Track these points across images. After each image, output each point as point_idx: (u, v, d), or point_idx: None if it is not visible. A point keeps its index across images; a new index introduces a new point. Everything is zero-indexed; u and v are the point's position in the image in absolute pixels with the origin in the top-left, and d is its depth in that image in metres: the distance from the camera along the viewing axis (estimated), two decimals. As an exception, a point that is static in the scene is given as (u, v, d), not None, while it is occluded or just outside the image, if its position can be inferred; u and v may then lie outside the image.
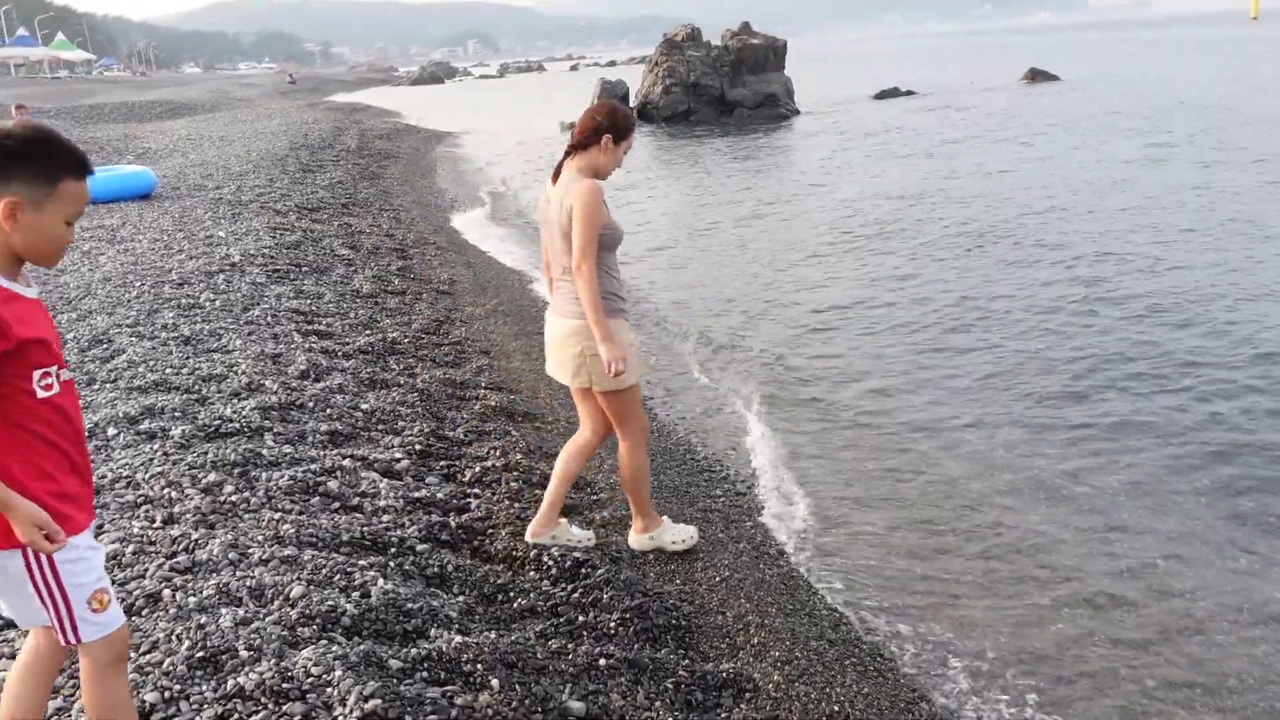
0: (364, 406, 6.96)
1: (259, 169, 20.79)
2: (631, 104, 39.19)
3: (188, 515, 4.89)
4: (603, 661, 4.12)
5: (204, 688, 3.48)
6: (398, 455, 6.11)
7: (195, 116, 45.06)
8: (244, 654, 3.64)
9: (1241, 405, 7.63)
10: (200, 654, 3.63)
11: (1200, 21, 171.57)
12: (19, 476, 2.52)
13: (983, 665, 4.69)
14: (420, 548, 4.90)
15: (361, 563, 4.58)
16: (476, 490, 5.81)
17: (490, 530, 5.30)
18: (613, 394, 4.91)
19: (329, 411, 6.73)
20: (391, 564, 4.67)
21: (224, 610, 3.96)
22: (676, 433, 7.63)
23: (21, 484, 2.52)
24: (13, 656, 3.66)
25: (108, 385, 6.99)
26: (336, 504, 5.30)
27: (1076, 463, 6.86)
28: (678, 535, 5.42)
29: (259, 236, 12.98)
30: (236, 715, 3.35)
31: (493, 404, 7.46)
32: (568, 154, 4.86)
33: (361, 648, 3.78)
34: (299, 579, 4.27)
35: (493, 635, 4.14)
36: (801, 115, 38.37)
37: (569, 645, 4.23)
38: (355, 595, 4.23)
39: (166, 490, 5.16)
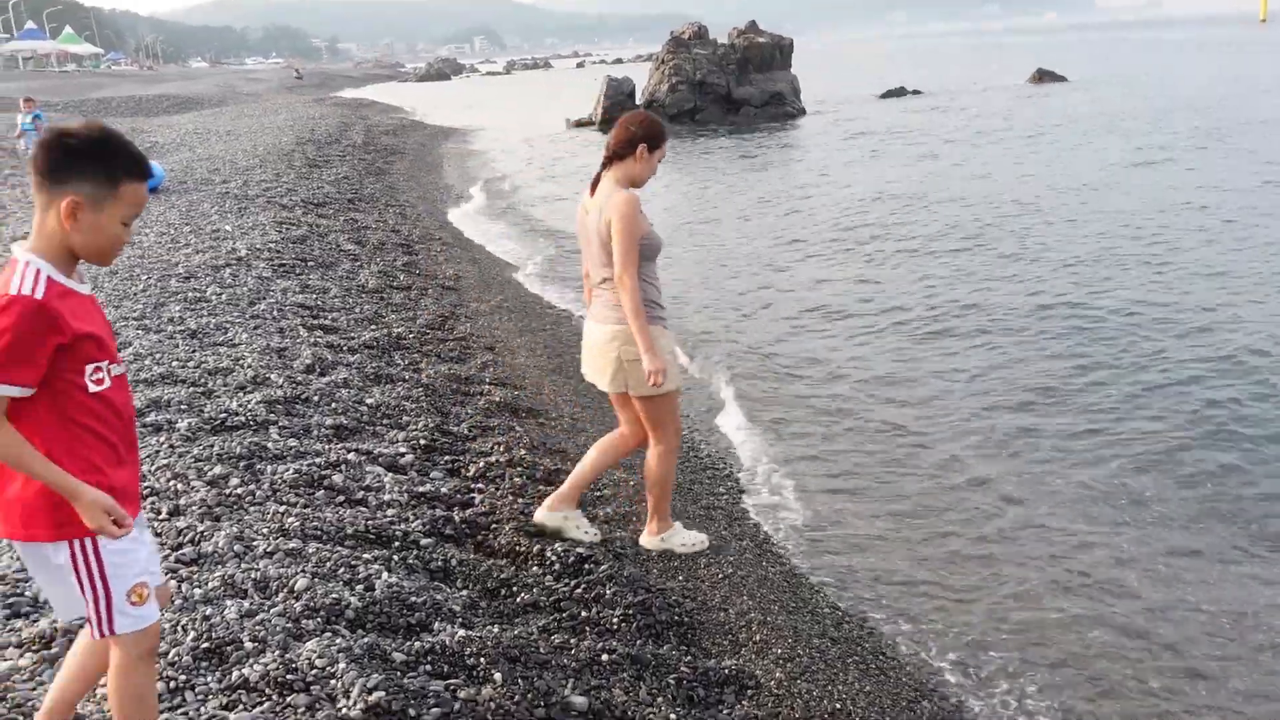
0: (369, 401, 6.97)
1: (265, 164, 20.82)
2: (638, 102, 39.16)
3: (193, 507, 4.91)
4: (605, 657, 4.13)
5: (209, 678, 3.50)
6: (402, 450, 6.13)
7: (202, 111, 45.14)
8: (249, 645, 3.67)
9: (1247, 408, 7.63)
10: (205, 645, 3.65)
11: (1209, 23, 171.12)
12: (68, 469, 2.54)
13: (984, 664, 4.71)
14: (424, 542, 4.92)
15: (366, 556, 4.60)
16: (480, 485, 5.82)
17: (494, 525, 5.31)
18: (649, 399, 4.97)
19: (334, 405, 6.75)
20: (395, 558, 4.69)
21: (229, 602, 3.98)
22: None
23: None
24: (19, 645, 3.68)
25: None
26: (341, 498, 5.32)
27: (1078, 460, 6.87)
28: (688, 540, 5.43)
29: (265, 231, 13.01)
30: (241, 706, 3.37)
31: (497, 399, 7.47)
32: (605, 165, 4.91)
33: (365, 640, 3.80)
34: (304, 572, 4.29)
35: (496, 629, 4.15)
36: (808, 114, 38.36)
37: (572, 640, 4.24)
38: (359, 588, 4.25)
39: (173, 482, 5.18)
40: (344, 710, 3.37)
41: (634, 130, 4.84)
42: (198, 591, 4.06)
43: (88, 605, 2.64)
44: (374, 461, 5.89)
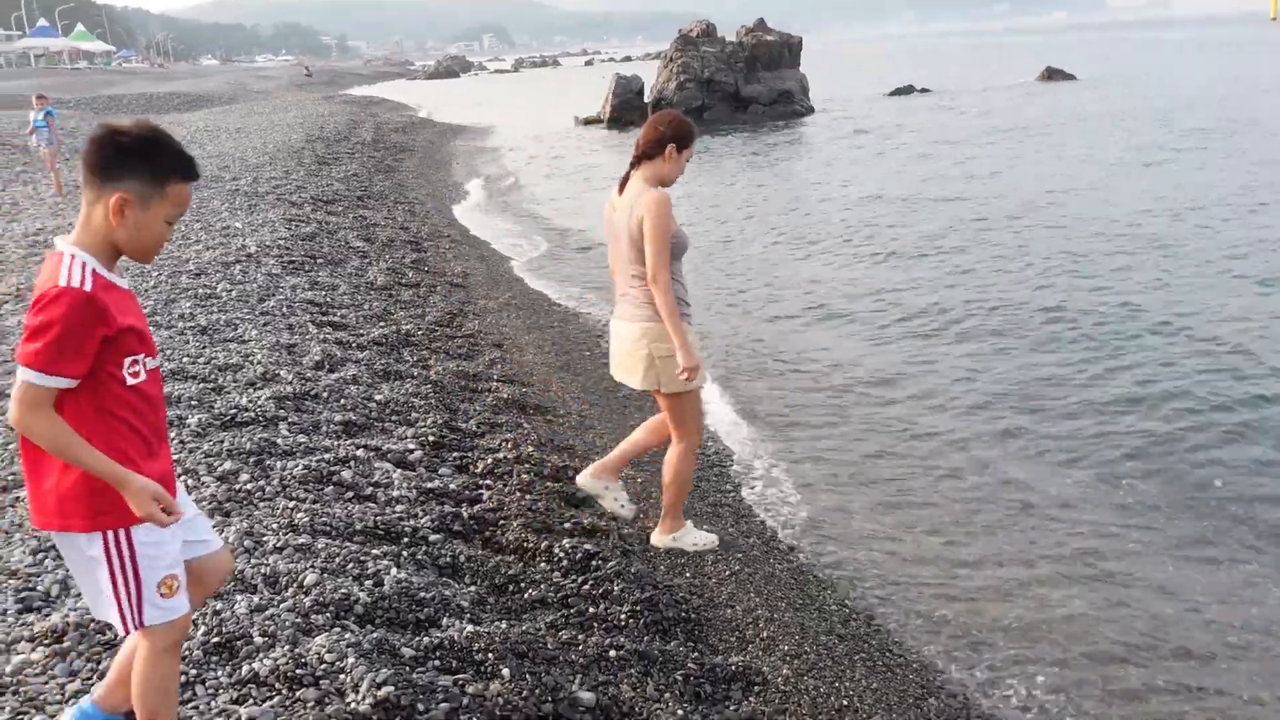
0: (378, 397, 7.00)
1: (275, 161, 20.88)
2: (646, 100, 39.15)
3: (204, 503, 4.93)
4: (613, 653, 4.15)
5: (219, 673, 3.52)
6: (411, 446, 6.15)
7: (212, 108, 45.27)
8: (259, 640, 3.69)
9: (1260, 409, 7.62)
10: (216, 639, 3.68)
11: (1219, 22, 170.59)
12: None
13: (992, 661, 4.71)
14: (433, 538, 4.94)
15: (375, 552, 4.62)
16: (488, 482, 5.84)
17: (502, 521, 5.33)
18: (676, 396, 5.02)
19: (343, 402, 6.78)
20: (404, 553, 4.71)
21: (239, 597, 4.00)
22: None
23: None
24: (32, 640, 3.71)
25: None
26: (350, 493, 5.34)
27: (1086, 458, 6.86)
28: (699, 540, 5.45)
29: (275, 228, 13.05)
30: (251, 700, 3.39)
31: (505, 396, 7.49)
32: (634, 164, 4.96)
33: (374, 635, 3.82)
34: (313, 567, 4.31)
35: (504, 625, 4.17)
36: (816, 112, 38.33)
37: (579, 636, 4.26)
38: (368, 584, 4.27)
39: (183, 478, 5.20)
40: (353, 705, 3.39)
41: (663, 130, 4.88)
42: (208, 586, 4.07)
43: (119, 597, 2.66)
44: (383, 458, 5.91)
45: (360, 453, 5.88)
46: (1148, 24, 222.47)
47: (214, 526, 4.62)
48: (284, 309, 9.08)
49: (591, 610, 4.54)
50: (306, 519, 4.84)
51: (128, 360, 2.61)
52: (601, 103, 39.87)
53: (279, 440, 5.85)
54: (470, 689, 3.59)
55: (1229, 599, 5.19)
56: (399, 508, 5.23)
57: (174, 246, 11.73)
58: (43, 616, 3.88)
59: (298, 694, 3.42)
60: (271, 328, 8.40)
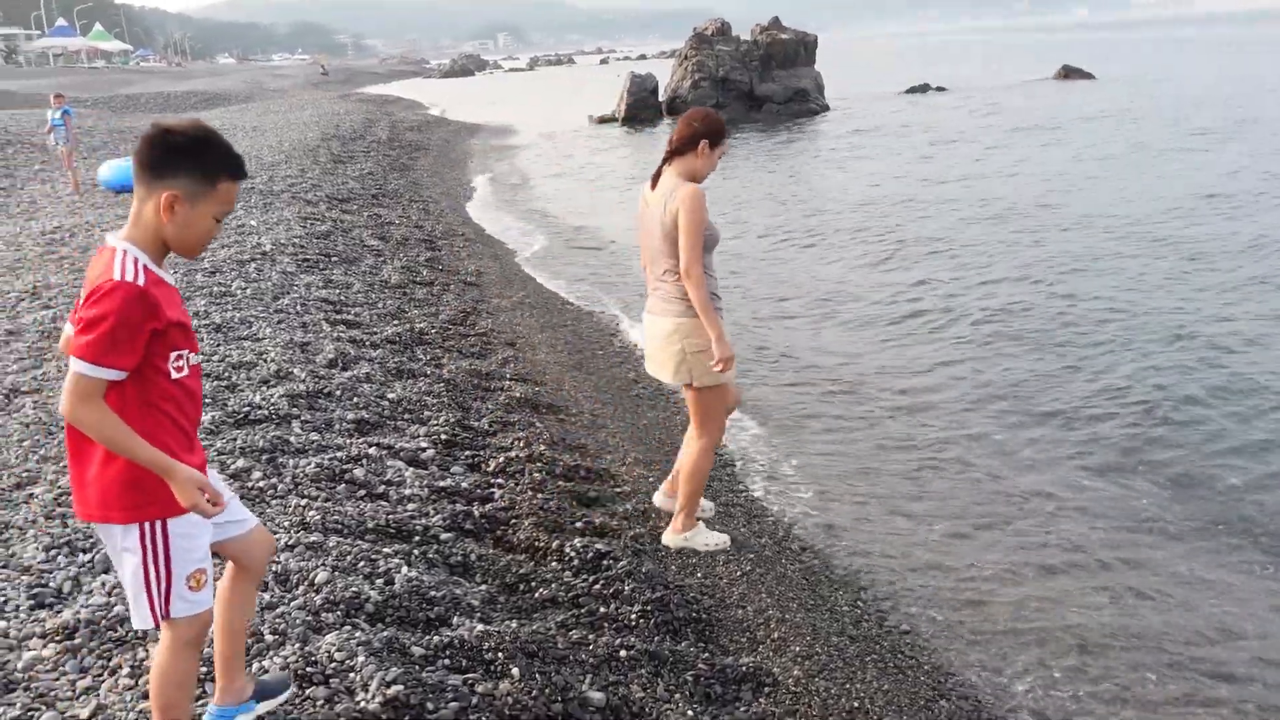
0: (391, 396, 7.01)
1: (291, 159, 20.94)
2: (660, 98, 39.14)
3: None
4: (623, 653, 4.14)
5: (229, 670, 3.52)
6: (423, 444, 6.16)
7: (229, 107, 45.45)
8: (269, 638, 3.69)
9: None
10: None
11: (1241, 20, 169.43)
12: None
13: (1005, 665, 4.68)
14: (444, 536, 4.94)
15: (386, 550, 4.63)
16: (500, 480, 5.84)
17: (513, 520, 5.32)
18: (704, 391, 5.06)
19: (356, 400, 6.79)
20: (415, 552, 4.71)
21: (250, 594, 4.00)
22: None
23: None
24: (43, 636, 3.72)
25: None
26: (362, 491, 5.35)
27: (1103, 463, 6.82)
28: (710, 540, 5.44)
29: (290, 226, 13.08)
30: (261, 698, 3.39)
31: (518, 395, 7.49)
32: (666, 160, 5.00)
33: (384, 634, 3.82)
34: (324, 565, 4.32)
35: (514, 624, 4.17)
36: (831, 111, 38.24)
37: (590, 636, 4.25)
38: (379, 582, 4.27)
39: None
40: (362, 703, 3.39)
41: (696, 126, 4.92)
42: (218, 585, 4.08)
43: (147, 587, 2.70)
44: (395, 456, 5.92)
45: (372, 451, 5.88)
46: (1169, 22, 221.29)
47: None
48: (298, 307, 9.10)
49: (602, 610, 4.53)
50: (318, 517, 4.84)
51: (173, 355, 2.67)
52: (616, 101, 39.88)
53: (291, 438, 5.86)
54: (480, 688, 3.59)
55: (1246, 604, 5.14)
56: (410, 506, 5.23)
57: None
58: (54, 613, 3.90)
59: (307, 692, 3.43)
60: (285, 326, 8.42)
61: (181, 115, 35.71)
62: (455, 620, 4.11)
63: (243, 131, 28.84)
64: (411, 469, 5.75)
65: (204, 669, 3.34)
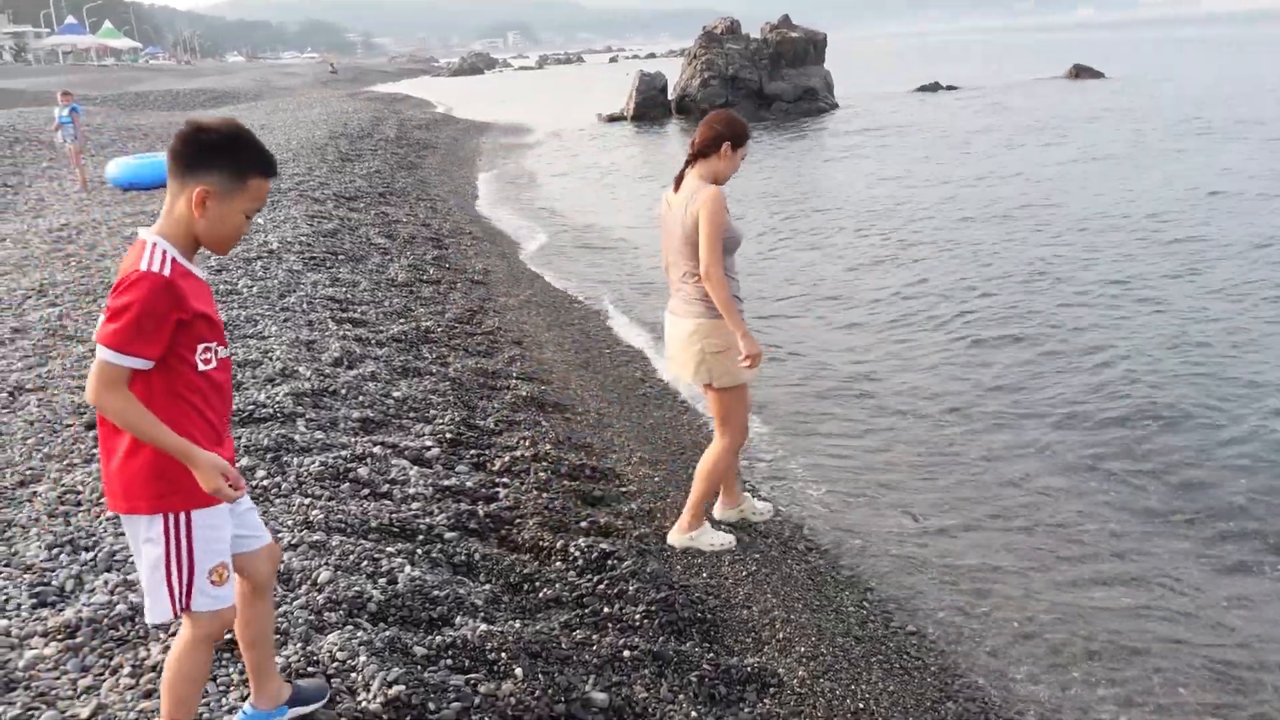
0: (396, 394, 6.99)
1: (298, 157, 20.95)
2: (669, 97, 39.11)
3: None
4: (627, 653, 4.11)
5: (230, 670, 3.51)
6: (428, 443, 6.14)
7: (238, 105, 45.53)
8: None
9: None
10: (227, 636, 3.65)
11: (1248, 20, 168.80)
12: None
13: (1012, 667, 4.64)
14: (448, 536, 4.92)
15: (389, 549, 4.61)
16: (505, 480, 5.82)
17: (518, 520, 5.30)
18: (725, 392, 5.12)
19: (361, 399, 6.77)
20: (419, 551, 4.69)
21: (252, 594, 3.98)
22: (708, 425, 7.60)
23: None
24: (45, 634, 3.71)
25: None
26: (366, 490, 5.33)
27: (1110, 460, 6.77)
28: (715, 540, 5.43)
29: (297, 224, 13.08)
30: (262, 697, 3.37)
31: (524, 394, 7.47)
32: (689, 162, 5.04)
33: (387, 634, 3.80)
34: (327, 564, 4.30)
35: (518, 624, 4.15)
36: (840, 109, 38.17)
37: (593, 636, 4.23)
38: (382, 581, 4.26)
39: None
40: (364, 703, 3.37)
41: (719, 129, 4.97)
42: (221, 583, 4.07)
43: (169, 579, 2.73)
44: (400, 455, 5.90)
45: (377, 450, 5.87)
46: (1175, 21, 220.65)
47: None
48: (304, 305, 9.10)
49: (606, 610, 4.51)
50: (322, 516, 4.83)
51: (200, 347, 2.74)
52: (625, 100, 39.87)
53: (296, 437, 5.85)
54: (482, 688, 3.57)
55: (1258, 607, 5.10)
56: (415, 505, 5.21)
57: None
58: (56, 611, 3.89)
59: (308, 692, 3.41)
60: (291, 324, 8.41)
61: (213, 112, 35.78)
62: (458, 620, 4.09)
63: (251, 129, 28.85)
64: (416, 468, 5.73)
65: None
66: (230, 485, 2.68)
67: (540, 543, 5.09)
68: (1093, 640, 4.83)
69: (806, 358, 9.41)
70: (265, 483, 5.19)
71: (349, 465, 5.56)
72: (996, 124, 29.72)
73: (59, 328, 8.16)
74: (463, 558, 4.75)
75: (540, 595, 4.60)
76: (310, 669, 3.51)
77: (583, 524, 5.37)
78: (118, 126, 29.07)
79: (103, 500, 4.92)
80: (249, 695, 3.22)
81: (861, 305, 11.20)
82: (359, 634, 3.75)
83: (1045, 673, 4.60)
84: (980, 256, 13.07)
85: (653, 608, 4.56)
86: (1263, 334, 9.20)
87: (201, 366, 2.74)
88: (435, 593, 4.25)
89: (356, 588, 4.13)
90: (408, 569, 4.39)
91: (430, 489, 5.45)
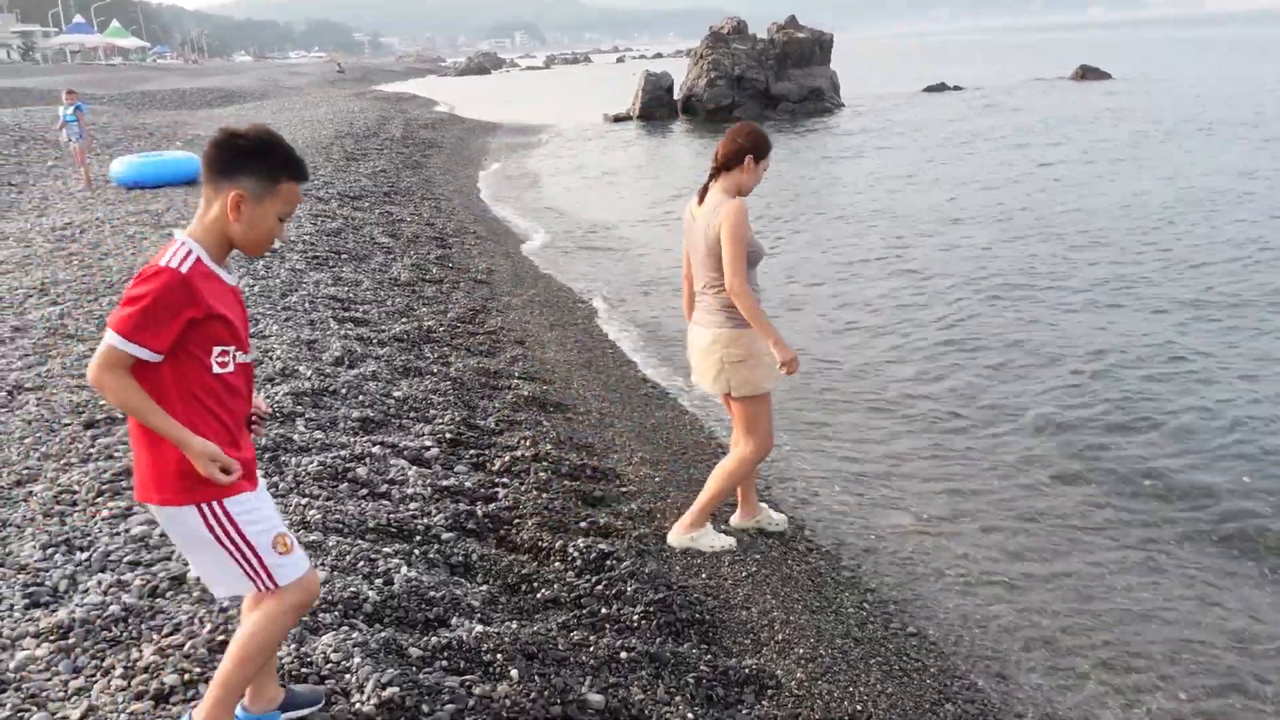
0: (396, 394, 6.97)
1: (304, 156, 20.85)
2: (675, 96, 39.08)
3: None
4: (624, 654, 4.08)
5: (223, 671, 3.48)
6: (428, 443, 6.12)
7: (245, 104, 45.59)
8: (265, 638, 3.64)
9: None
10: (221, 637, 3.64)
11: (1249, 20, 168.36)
12: None
13: (1011, 670, 4.62)
14: (446, 536, 4.90)
15: (386, 550, 4.59)
16: (505, 480, 5.79)
17: (517, 520, 5.28)
18: (747, 400, 5.14)
19: (361, 398, 6.75)
20: (416, 552, 4.67)
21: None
22: (707, 426, 7.58)
23: None
24: (37, 635, 3.69)
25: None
26: (364, 490, 5.31)
27: (1112, 466, 6.74)
28: (716, 542, 5.41)
29: (300, 223, 13.08)
30: (254, 699, 3.34)
31: (525, 394, 7.45)
32: (713, 175, 5.10)
33: (382, 635, 3.77)
34: (323, 565, 4.28)
35: (514, 625, 4.12)
36: (846, 110, 38.12)
37: (591, 637, 4.20)
38: (378, 582, 4.23)
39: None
40: (357, 705, 3.35)
41: (741, 142, 5.02)
42: (216, 583, 4.05)
43: (241, 566, 2.81)
44: (399, 455, 5.88)
45: (376, 449, 5.85)
46: (1184, 21, 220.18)
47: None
48: (306, 304, 9.08)
49: (604, 611, 4.48)
50: (319, 516, 4.80)
51: (216, 349, 2.77)
52: (631, 100, 39.85)
53: (295, 436, 5.83)
54: (477, 690, 3.54)
55: (1257, 609, 5.07)
56: (413, 505, 5.19)
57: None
58: (49, 612, 3.87)
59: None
60: (293, 323, 8.39)
61: (220, 112, 35.82)
62: (454, 621, 4.06)
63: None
64: (415, 468, 5.71)
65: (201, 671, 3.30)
66: (223, 470, 2.71)
67: (539, 543, 5.07)
68: (1094, 642, 4.80)
69: (807, 356, 9.35)
70: (262, 482, 5.15)
71: (347, 465, 5.54)
72: (999, 125, 29.65)
73: (59, 326, 8.15)
74: (460, 558, 4.72)
75: (538, 596, 4.57)
76: (304, 670, 3.48)
77: (582, 524, 5.35)
78: (124, 125, 29.08)
79: (98, 500, 4.91)
80: (242, 698, 3.19)
81: (862, 305, 11.17)
82: (354, 635, 3.72)
83: (1045, 675, 4.58)
84: (981, 257, 13.05)
85: (651, 609, 4.53)
86: (1260, 334, 9.15)
87: (217, 369, 2.78)
88: (432, 593, 4.23)
89: (352, 588, 4.10)
90: (404, 569, 4.37)
91: (429, 489, 5.42)
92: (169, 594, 4.01)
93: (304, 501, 4.97)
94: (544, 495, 5.62)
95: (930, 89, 45.50)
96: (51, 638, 3.66)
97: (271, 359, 7.27)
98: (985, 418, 7.67)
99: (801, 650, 4.48)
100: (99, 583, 4.07)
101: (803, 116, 36.37)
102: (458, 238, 14.26)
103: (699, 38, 41.32)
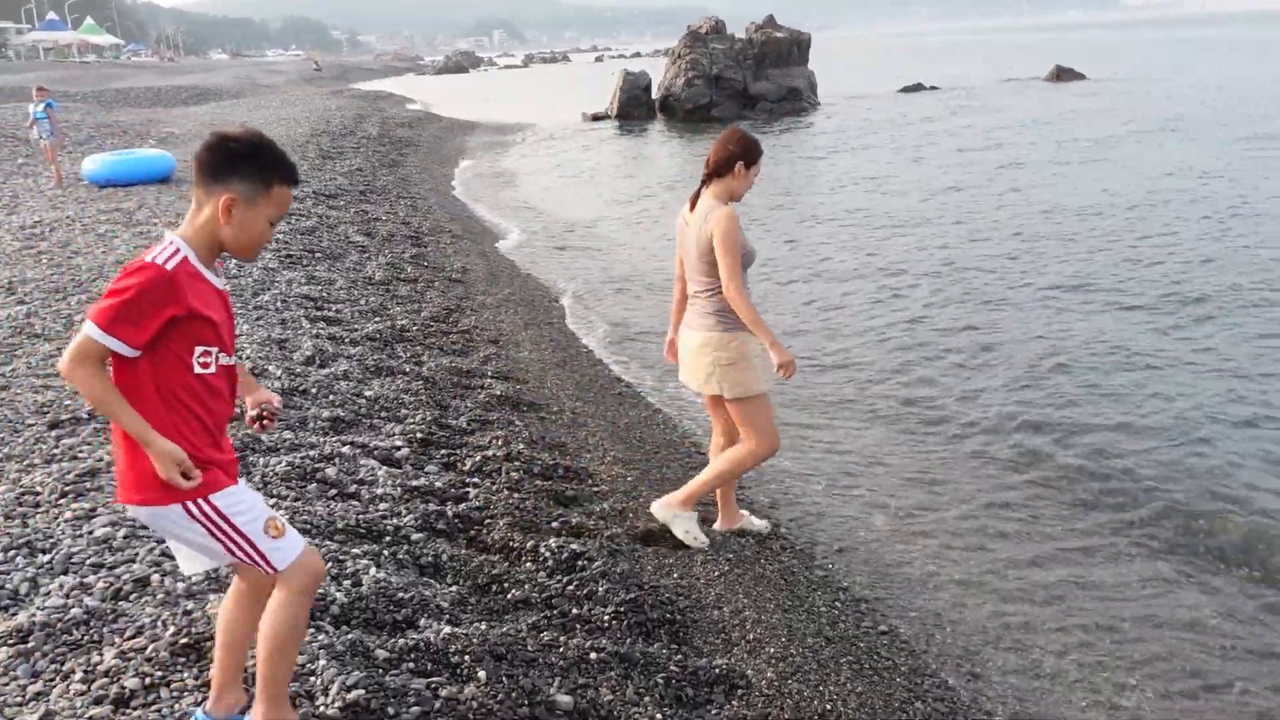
0: (368, 393, 6.92)
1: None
2: (653, 96, 39.06)
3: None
4: (594, 655, 4.06)
5: (185, 675, 3.44)
6: (398, 443, 6.08)
7: (220, 102, 45.26)
8: (228, 641, 3.60)
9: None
10: (184, 640, 3.60)
11: (1236, 21, 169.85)
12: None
13: (981, 668, 4.63)
14: (415, 536, 4.86)
15: (354, 551, 4.54)
16: (476, 479, 5.76)
17: (488, 520, 5.25)
18: (741, 401, 5.17)
19: (332, 398, 6.71)
20: (385, 553, 4.62)
21: (212, 596, 3.93)
22: (681, 425, 7.56)
23: None
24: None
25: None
26: (333, 491, 5.26)
27: (1085, 461, 6.77)
28: (692, 532, 5.39)
29: (274, 222, 12.95)
30: (216, 702, 3.30)
31: (498, 393, 7.41)
32: (705, 182, 5.17)
33: (349, 637, 3.74)
34: (290, 566, 4.22)
35: (483, 626, 4.09)
36: (823, 109, 38.21)
37: (561, 638, 4.17)
38: (346, 584, 4.19)
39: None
40: (321, 708, 3.31)
41: (733, 149, 5.11)
42: (180, 585, 4.01)
43: (238, 556, 2.83)
44: (369, 455, 5.84)
45: (346, 449, 5.80)
46: (1162, 22, 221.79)
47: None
48: (278, 303, 9.01)
49: (575, 611, 4.46)
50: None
51: (199, 349, 2.77)
52: (609, 99, 39.82)
53: (263, 436, 5.78)
54: (444, 692, 3.51)
55: (1230, 611, 5.10)
56: (382, 506, 5.15)
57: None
58: (9, 615, 3.81)
59: (265, 697, 3.34)
60: (264, 322, 8.33)
61: (195, 110, 35.54)
62: (423, 622, 4.03)
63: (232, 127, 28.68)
64: (385, 468, 5.66)
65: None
66: (183, 475, 2.69)
67: (510, 543, 5.04)
68: (1064, 641, 4.81)
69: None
70: (242, 481, 5.10)
71: (317, 465, 5.50)
72: (973, 124, 29.81)
73: (26, 326, 8.04)
74: (430, 559, 4.69)
75: (509, 597, 4.54)
76: (267, 673, 3.43)
77: (554, 524, 5.32)
78: (96, 123, 28.80)
79: (61, 501, 4.84)
80: (204, 701, 3.15)
81: (836, 305, 11.19)
82: (320, 637, 3.69)
83: (1016, 673, 4.59)
84: (951, 256, 13.11)
85: (622, 609, 4.51)
86: (1223, 329, 9.22)
87: (198, 369, 2.78)
88: (400, 595, 4.19)
89: (319, 590, 4.06)
90: (373, 570, 4.33)
91: (399, 489, 5.39)
92: (132, 596, 3.96)
93: (271, 503, 4.91)
94: (515, 495, 5.59)
95: (907, 89, 45.67)
96: (10, 641, 3.60)
97: (240, 358, 7.20)
98: (961, 421, 7.68)
99: (772, 649, 4.47)
100: (61, 585, 4.01)
101: (780, 116, 36.42)
102: (433, 236, 14.20)
103: (677, 37, 41.32)
